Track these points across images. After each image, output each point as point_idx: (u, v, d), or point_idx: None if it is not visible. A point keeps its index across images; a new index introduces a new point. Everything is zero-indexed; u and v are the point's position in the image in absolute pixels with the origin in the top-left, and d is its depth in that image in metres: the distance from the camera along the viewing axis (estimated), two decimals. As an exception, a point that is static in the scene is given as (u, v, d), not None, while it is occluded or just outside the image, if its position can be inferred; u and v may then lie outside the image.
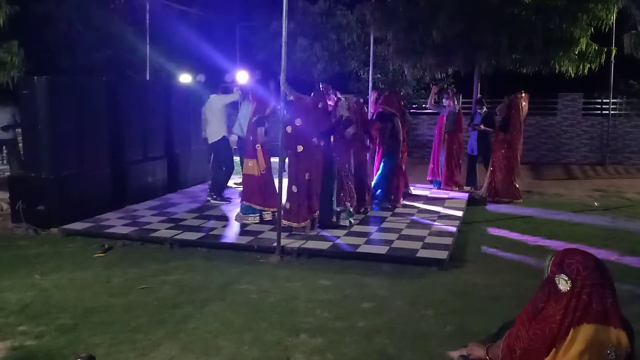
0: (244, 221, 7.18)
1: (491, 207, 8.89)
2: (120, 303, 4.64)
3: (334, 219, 6.95)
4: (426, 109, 17.17)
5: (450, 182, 9.87)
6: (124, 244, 6.46)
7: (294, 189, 6.57)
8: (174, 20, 13.75)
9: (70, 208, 7.22)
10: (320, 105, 6.88)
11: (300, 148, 6.53)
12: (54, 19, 13.26)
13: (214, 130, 8.65)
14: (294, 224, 6.56)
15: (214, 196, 8.62)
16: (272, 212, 7.19)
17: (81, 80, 8.38)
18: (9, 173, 10.22)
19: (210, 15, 14.61)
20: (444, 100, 10.27)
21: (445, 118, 9.91)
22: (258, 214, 7.22)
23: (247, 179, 7.33)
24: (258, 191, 7.21)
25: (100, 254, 6.09)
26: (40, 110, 7.07)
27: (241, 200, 7.38)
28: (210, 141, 8.79)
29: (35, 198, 7.09)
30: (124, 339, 3.94)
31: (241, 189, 7.88)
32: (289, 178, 6.60)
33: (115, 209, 7.85)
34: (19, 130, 9.77)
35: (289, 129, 6.55)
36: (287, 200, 6.61)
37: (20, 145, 9.06)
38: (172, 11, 13.38)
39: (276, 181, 6.58)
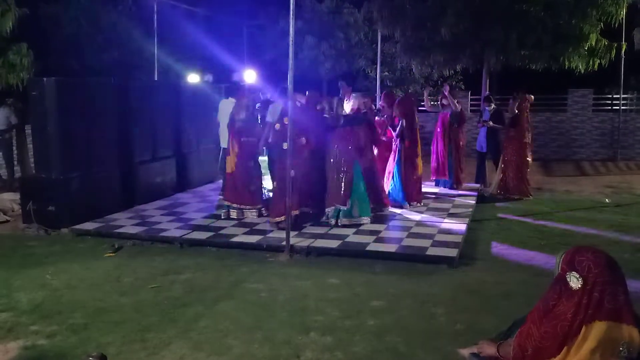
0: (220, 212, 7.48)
1: (501, 205, 8.83)
2: (130, 302, 4.67)
3: (348, 222, 6.94)
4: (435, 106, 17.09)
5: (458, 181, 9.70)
6: (134, 244, 6.49)
7: (274, 184, 6.93)
8: (182, 20, 13.79)
9: (80, 208, 7.26)
10: (318, 107, 7.18)
11: (285, 145, 6.49)
12: (63, 21, 13.36)
13: (224, 135, 8.69)
14: (270, 219, 6.89)
15: None
16: (239, 208, 7.35)
17: (90, 81, 8.43)
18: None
19: (218, 15, 14.65)
20: (442, 100, 10.01)
21: (449, 116, 9.67)
22: (226, 210, 7.39)
23: (226, 176, 7.57)
24: (229, 187, 7.41)
25: (111, 254, 6.12)
26: (49, 112, 7.11)
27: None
28: (222, 145, 8.83)
29: (46, 199, 7.13)
30: (135, 338, 3.96)
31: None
32: (271, 174, 6.75)
33: (125, 209, 7.89)
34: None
35: (277, 126, 6.85)
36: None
37: (30, 146, 9.13)
38: (179, 11, 13.43)
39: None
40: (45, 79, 7.20)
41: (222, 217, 7.37)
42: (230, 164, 7.40)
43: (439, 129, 9.68)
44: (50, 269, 5.57)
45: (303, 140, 6.82)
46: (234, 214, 7.36)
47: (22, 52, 9.84)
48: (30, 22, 10.22)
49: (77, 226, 7.01)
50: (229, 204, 7.39)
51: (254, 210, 7.41)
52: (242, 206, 7.38)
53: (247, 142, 7.38)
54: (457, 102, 9.74)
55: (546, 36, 12.03)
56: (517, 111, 9.22)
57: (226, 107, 8.72)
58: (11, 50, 9.78)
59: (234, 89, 9.28)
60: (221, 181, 9.06)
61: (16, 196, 8.06)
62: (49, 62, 11.47)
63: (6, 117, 10.39)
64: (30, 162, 9.81)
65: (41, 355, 3.76)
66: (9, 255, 6.12)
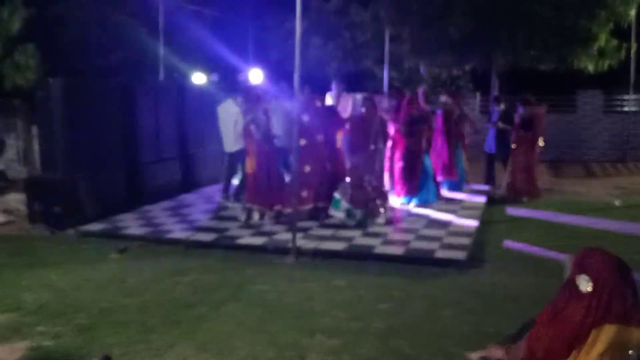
0: (241, 217, 7.38)
1: (510, 206, 8.76)
2: (135, 303, 4.66)
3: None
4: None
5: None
6: (139, 245, 6.48)
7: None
8: (188, 20, 13.80)
9: (86, 209, 7.28)
10: (318, 104, 7.43)
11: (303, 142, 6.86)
12: (69, 21, 13.38)
13: (229, 139, 8.66)
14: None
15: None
16: (262, 209, 7.29)
17: (96, 82, 8.45)
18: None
19: (224, 15, 14.65)
20: (441, 97, 9.94)
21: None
22: (247, 212, 7.33)
23: (246, 177, 7.55)
24: (250, 189, 7.35)
25: (116, 255, 6.11)
26: (55, 112, 7.13)
27: None
28: (226, 149, 8.78)
29: (52, 199, 7.14)
30: (140, 339, 3.94)
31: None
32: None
33: (131, 210, 7.90)
34: None
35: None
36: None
37: (36, 147, 9.16)
38: (185, 11, 13.44)
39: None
40: (51, 79, 7.22)
41: (245, 219, 7.25)
42: (250, 165, 7.32)
43: (437, 128, 9.52)
44: (56, 269, 5.56)
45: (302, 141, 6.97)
46: (256, 215, 7.29)
47: (28, 53, 9.89)
48: (37, 22, 10.24)
49: (83, 227, 7.02)
50: (250, 205, 7.30)
51: (272, 211, 7.31)
52: (264, 207, 7.27)
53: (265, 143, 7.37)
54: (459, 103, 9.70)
55: (554, 37, 11.98)
56: (530, 114, 9.13)
57: (226, 110, 8.66)
58: (18, 51, 9.82)
59: (246, 91, 9.26)
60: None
61: (22, 197, 8.08)
62: (55, 63, 11.49)
63: None
64: (37, 163, 9.84)
65: (47, 355, 3.75)
66: (15, 255, 6.13)
